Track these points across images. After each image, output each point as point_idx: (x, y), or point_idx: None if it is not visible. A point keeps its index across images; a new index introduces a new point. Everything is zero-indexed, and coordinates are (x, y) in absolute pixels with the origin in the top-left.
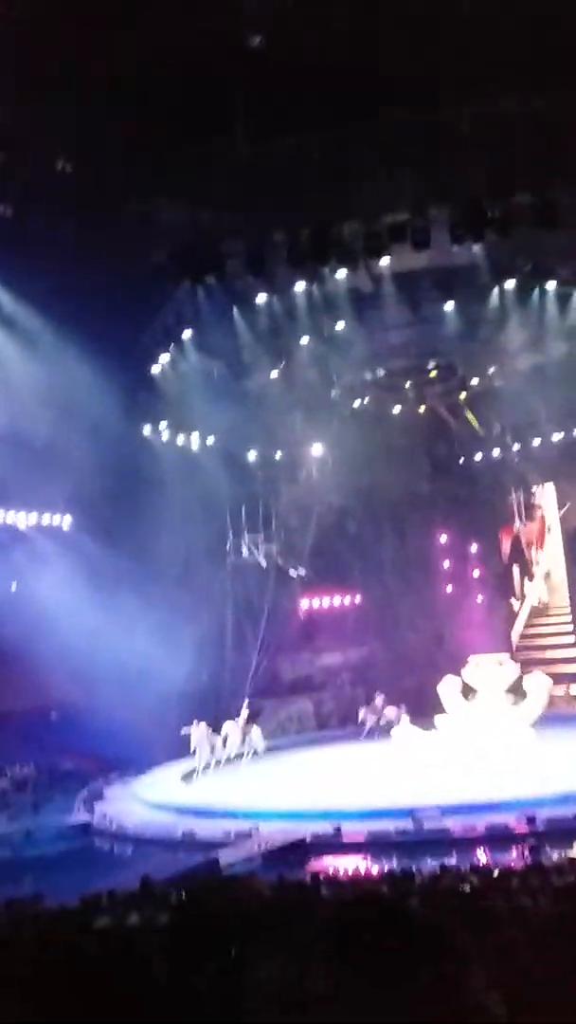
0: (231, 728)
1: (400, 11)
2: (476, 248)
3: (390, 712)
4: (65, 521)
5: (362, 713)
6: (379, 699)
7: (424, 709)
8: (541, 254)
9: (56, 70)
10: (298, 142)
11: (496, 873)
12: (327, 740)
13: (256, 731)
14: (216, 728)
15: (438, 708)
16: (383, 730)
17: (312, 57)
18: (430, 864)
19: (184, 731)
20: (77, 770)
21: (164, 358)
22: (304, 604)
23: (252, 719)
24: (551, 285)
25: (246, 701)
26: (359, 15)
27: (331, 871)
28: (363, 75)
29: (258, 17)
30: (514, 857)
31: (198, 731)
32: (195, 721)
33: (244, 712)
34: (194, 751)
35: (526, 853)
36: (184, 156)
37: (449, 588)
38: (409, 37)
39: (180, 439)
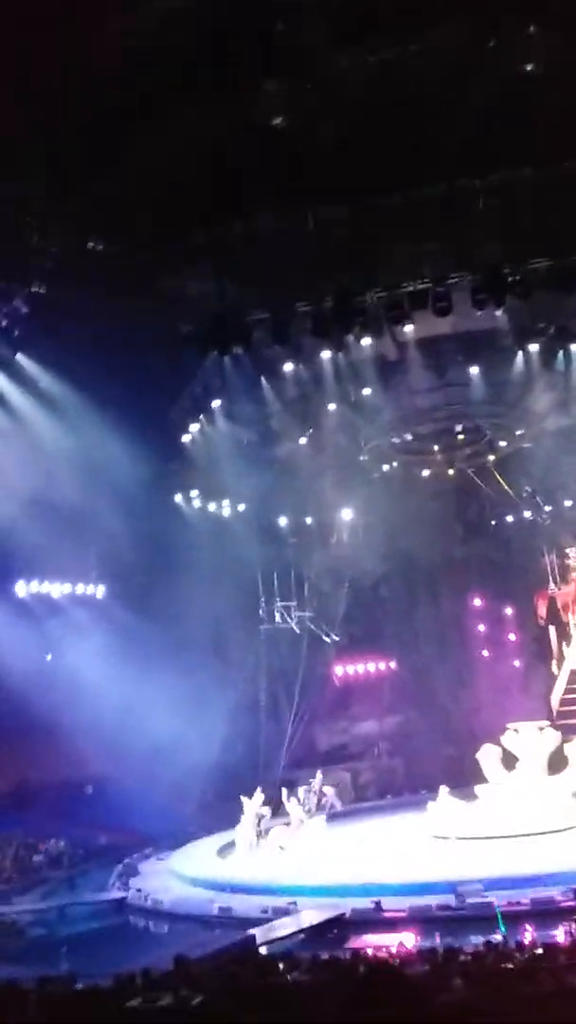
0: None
1: (416, 88)
2: (499, 313)
3: (329, 791)
4: (99, 591)
5: (301, 794)
6: (318, 778)
7: (464, 778)
8: (563, 317)
9: (84, 157)
10: (317, 217)
11: (542, 950)
12: (365, 812)
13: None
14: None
15: (478, 777)
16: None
17: (330, 134)
18: (474, 941)
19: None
20: (112, 845)
21: (194, 427)
22: (339, 671)
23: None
24: (575, 347)
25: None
26: (376, 94)
27: (371, 949)
28: (380, 150)
29: (278, 99)
30: (561, 932)
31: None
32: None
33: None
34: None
35: (573, 928)
36: (209, 232)
37: (485, 653)
38: (425, 113)
39: (211, 507)
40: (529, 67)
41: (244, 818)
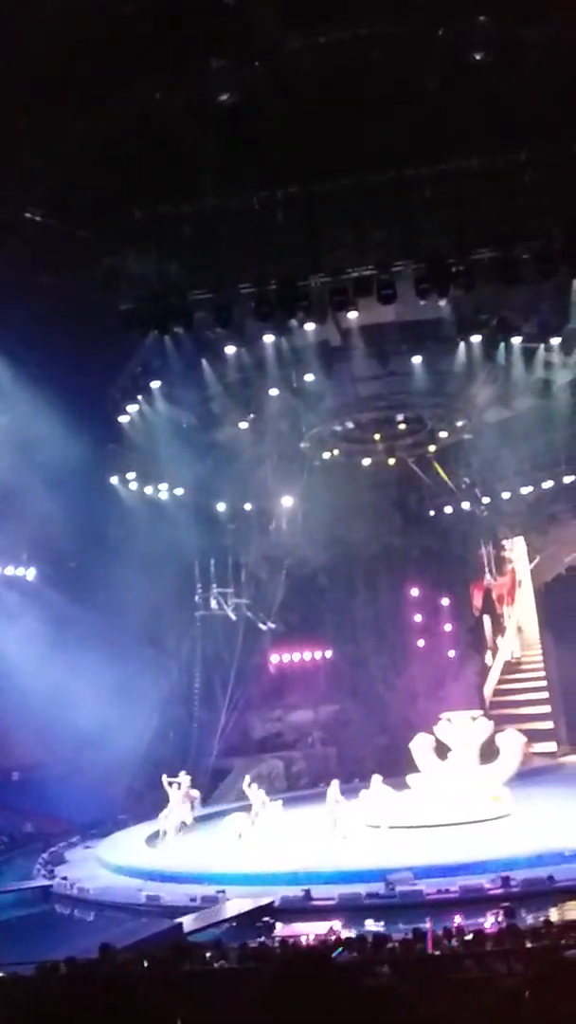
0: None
1: (366, 75)
2: (442, 303)
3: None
4: (30, 573)
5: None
6: (184, 779)
7: (397, 767)
8: (505, 310)
9: (28, 127)
10: (264, 198)
11: (470, 937)
12: (298, 801)
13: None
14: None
15: (411, 766)
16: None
17: (278, 116)
18: (403, 928)
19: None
20: (38, 832)
21: (132, 408)
22: (274, 659)
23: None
24: (516, 340)
25: (182, 773)
26: (326, 77)
27: (300, 937)
28: (328, 134)
29: (227, 77)
30: (489, 920)
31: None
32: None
33: (184, 779)
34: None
35: (500, 916)
36: (152, 209)
37: (421, 643)
38: (374, 98)
39: (148, 490)
40: (478, 56)
41: (172, 802)
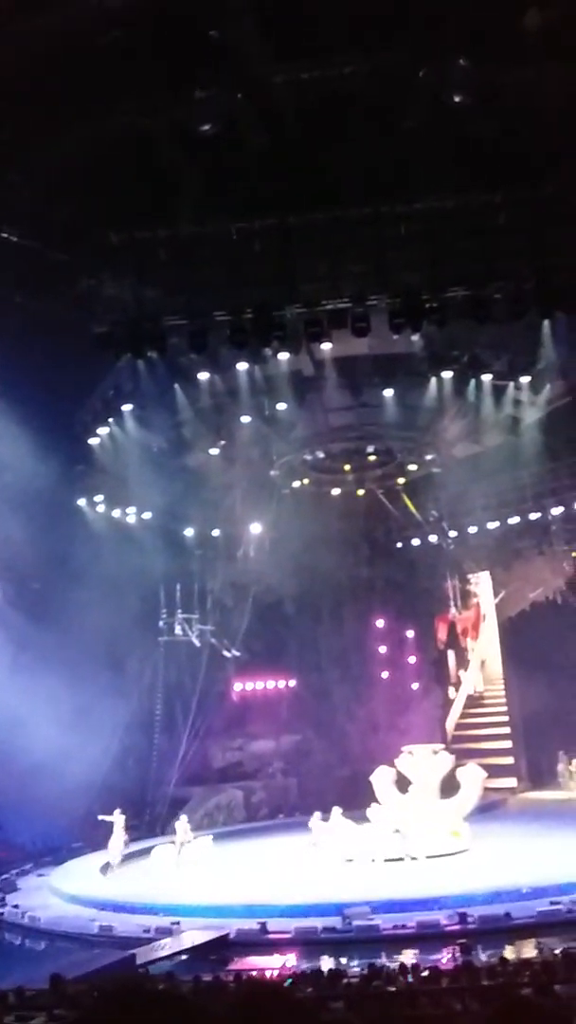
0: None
1: (347, 111)
2: (415, 338)
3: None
4: None
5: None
6: (118, 818)
7: (358, 800)
8: (476, 347)
9: (7, 144)
10: (242, 227)
11: (426, 973)
12: (257, 832)
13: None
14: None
15: (372, 799)
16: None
17: (259, 147)
18: (359, 963)
19: (102, 818)
20: None
21: (102, 430)
22: (237, 687)
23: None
24: (487, 377)
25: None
26: (308, 112)
27: (255, 970)
28: (307, 167)
29: (210, 107)
30: (445, 956)
31: (118, 820)
32: (117, 810)
33: (118, 817)
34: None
35: (457, 952)
36: (130, 233)
37: (385, 674)
38: (354, 134)
39: (116, 513)
40: (458, 98)
41: (116, 834)
